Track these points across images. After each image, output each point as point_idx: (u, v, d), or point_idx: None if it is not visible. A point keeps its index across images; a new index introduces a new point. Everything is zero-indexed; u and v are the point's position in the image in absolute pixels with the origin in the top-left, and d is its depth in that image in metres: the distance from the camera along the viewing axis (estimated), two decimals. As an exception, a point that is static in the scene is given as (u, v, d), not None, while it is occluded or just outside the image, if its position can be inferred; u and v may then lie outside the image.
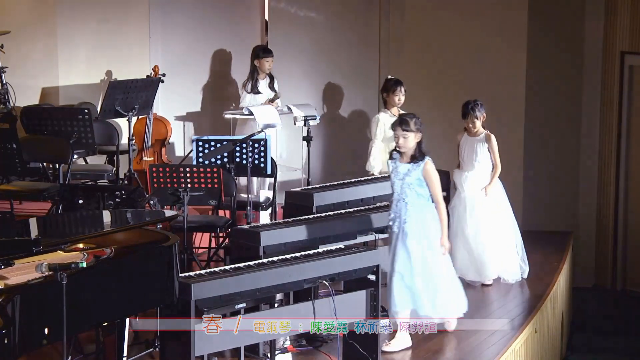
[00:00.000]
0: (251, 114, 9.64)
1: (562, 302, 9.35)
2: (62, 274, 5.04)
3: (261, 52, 10.21)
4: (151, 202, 7.40)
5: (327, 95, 11.22)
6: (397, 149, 7.20)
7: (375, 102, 11.13)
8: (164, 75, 10.19)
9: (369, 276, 6.67)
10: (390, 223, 7.25)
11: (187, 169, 8.08)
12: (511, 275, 8.82)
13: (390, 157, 7.28)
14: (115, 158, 9.71)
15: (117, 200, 7.29)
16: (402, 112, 8.91)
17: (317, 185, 8.83)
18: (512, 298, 8.43)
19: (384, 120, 9.26)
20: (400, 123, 7.16)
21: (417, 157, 7.16)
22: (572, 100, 11.03)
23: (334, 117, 11.18)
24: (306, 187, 8.94)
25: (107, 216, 6.74)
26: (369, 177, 9.04)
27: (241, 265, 6.39)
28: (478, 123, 8.70)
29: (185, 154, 10.62)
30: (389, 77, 9.60)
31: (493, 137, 8.71)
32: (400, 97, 9.36)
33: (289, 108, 9.89)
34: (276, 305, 6.66)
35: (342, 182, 8.76)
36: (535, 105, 10.88)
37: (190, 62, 11.28)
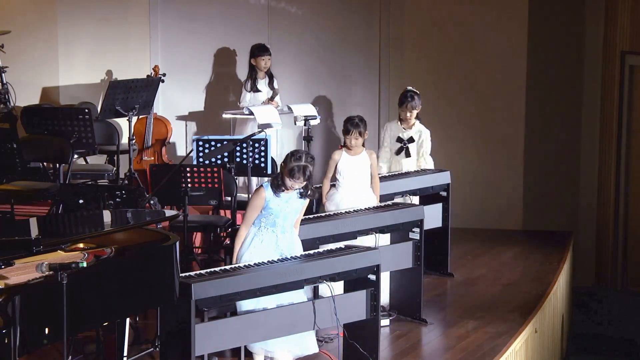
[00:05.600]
0: (251, 113, 9.63)
1: (562, 302, 9.35)
2: (63, 274, 5.03)
3: (257, 50, 10.17)
4: (151, 202, 7.39)
5: (327, 94, 11.21)
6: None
7: (375, 102, 11.12)
8: (164, 75, 10.18)
9: (369, 276, 6.67)
10: None
11: (187, 169, 8.08)
12: None
13: None
14: (115, 158, 9.71)
15: (117, 200, 7.27)
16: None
17: (317, 185, 8.81)
18: (512, 298, 8.43)
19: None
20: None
21: None
22: (572, 100, 11.03)
23: (334, 117, 11.18)
24: (306, 187, 8.91)
25: (107, 216, 6.73)
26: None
27: (241, 265, 6.40)
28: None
29: (186, 154, 10.62)
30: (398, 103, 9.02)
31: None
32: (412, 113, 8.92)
33: (289, 108, 9.88)
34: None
35: (342, 182, 8.72)
36: (535, 105, 10.88)
37: (190, 61, 11.28)
